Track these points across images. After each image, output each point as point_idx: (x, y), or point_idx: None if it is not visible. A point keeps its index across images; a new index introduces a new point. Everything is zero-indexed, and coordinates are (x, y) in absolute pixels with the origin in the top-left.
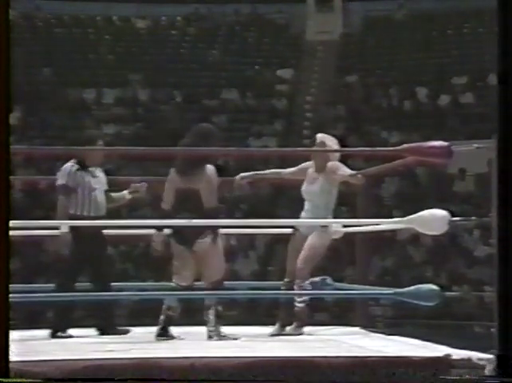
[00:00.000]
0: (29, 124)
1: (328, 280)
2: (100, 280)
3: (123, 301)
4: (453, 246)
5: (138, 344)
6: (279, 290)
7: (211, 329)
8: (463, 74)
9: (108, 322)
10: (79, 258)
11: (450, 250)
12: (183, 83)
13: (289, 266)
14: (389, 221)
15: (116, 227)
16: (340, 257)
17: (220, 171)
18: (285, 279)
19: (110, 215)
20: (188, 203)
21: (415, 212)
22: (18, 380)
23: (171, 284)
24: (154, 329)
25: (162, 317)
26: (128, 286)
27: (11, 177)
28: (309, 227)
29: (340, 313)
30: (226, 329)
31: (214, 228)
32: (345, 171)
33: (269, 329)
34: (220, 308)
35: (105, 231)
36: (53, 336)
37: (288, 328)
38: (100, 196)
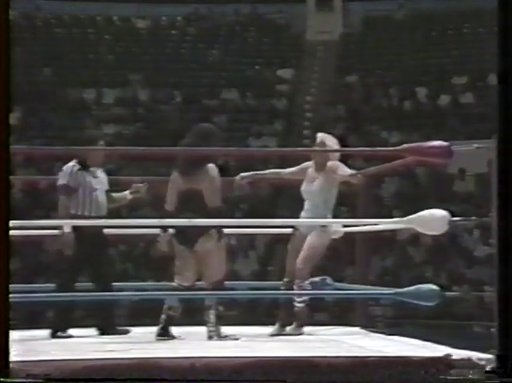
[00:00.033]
0: (29, 124)
1: (328, 280)
2: (100, 280)
3: (123, 301)
4: (453, 246)
5: (138, 344)
6: (279, 290)
7: (211, 329)
8: (463, 74)
9: (108, 322)
10: (80, 258)
11: (450, 250)
12: (183, 83)
13: (289, 265)
14: (389, 221)
15: (116, 227)
16: (340, 257)
17: (220, 171)
18: (285, 279)
19: (110, 214)
20: (191, 204)
21: (415, 212)
22: (18, 380)
23: (173, 284)
24: (154, 329)
25: (163, 316)
26: (128, 286)
27: (11, 177)
28: (308, 226)
29: (340, 313)
30: (226, 329)
31: (219, 228)
32: (345, 171)
33: (269, 329)
34: (221, 308)
35: (106, 231)
36: (53, 336)
37: (288, 328)
38: (101, 196)
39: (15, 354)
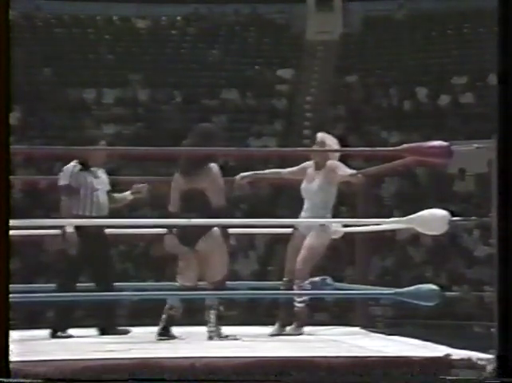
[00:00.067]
0: (29, 124)
1: (328, 280)
2: (102, 280)
3: (123, 301)
4: (453, 246)
5: (138, 344)
6: (279, 289)
7: (212, 329)
8: (463, 74)
9: (109, 322)
10: (81, 258)
11: (450, 250)
12: (183, 83)
13: (288, 265)
14: (389, 221)
15: (117, 227)
16: (340, 257)
17: (221, 171)
18: (284, 278)
19: (111, 214)
20: (195, 204)
21: (415, 212)
22: (18, 380)
23: (175, 284)
24: (154, 329)
25: (164, 316)
26: (128, 286)
27: (11, 177)
28: (307, 226)
29: (340, 313)
30: (226, 329)
31: (224, 228)
32: (345, 171)
33: (269, 329)
34: (221, 308)
35: (107, 231)
36: (53, 336)
37: (288, 328)
38: (103, 197)
39: (15, 354)
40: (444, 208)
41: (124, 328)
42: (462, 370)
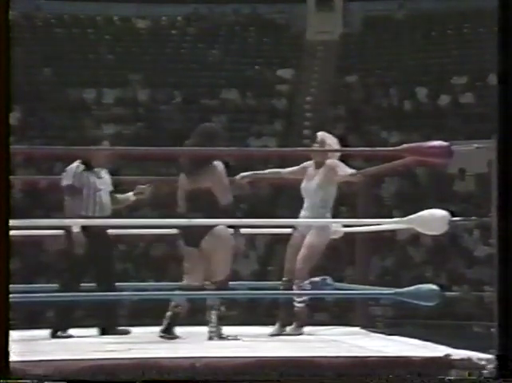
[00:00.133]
0: (29, 124)
1: (328, 280)
2: (103, 280)
3: (124, 301)
4: (453, 246)
5: (138, 344)
6: (279, 290)
7: (212, 329)
8: (463, 74)
9: (109, 322)
10: (85, 258)
11: (450, 250)
12: (183, 83)
13: (288, 264)
14: (389, 221)
15: (118, 227)
16: (340, 257)
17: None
18: (284, 278)
19: (112, 215)
20: (200, 203)
21: (415, 212)
22: (18, 380)
23: (177, 284)
24: (154, 329)
25: (169, 313)
26: (129, 286)
27: (11, 177)
28: (307, 225)
29: (340, 313)
30: (226, 330)
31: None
32: (345, 170)
33: (269, 329)
34: (223, 308)
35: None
36: (53, 336)
37: (288, 328)
38: (105, 197)
39: (15, 354)
40: (444, 208)
41: (124, 328)
42: (462, 370)
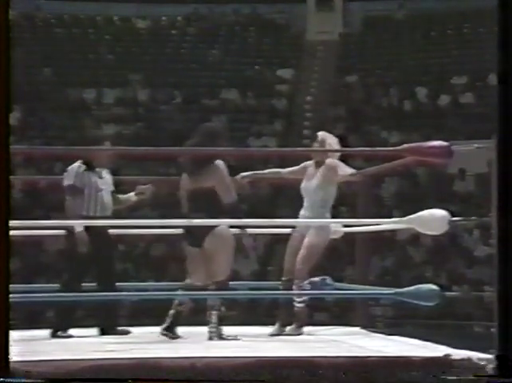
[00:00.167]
0: (29, 124)
1: (328, 280)
2: (104, 280)
3: (124, 301)
4: (453, 246)
5: (138, 344)
6: (279, 290)
7: (213, 329)
8: (463, 74)
9: (109, 322)
10: (87, 257)
11: (450, 250)
12: (183, 83)
13: (287, 264)
14: (389, 221)
15: (118, 227)
16: (339, 257)
17: None
18: (283, 278)
19: (114, 215)
20: (204, 203)
21: (415, 212)
22: (18, 380)
23: (178, 283)
24: (154, 329)
25: (172, 311)
26: (129, 286)
27: (11, 177)
28: (306, 225)
29: (340, 313)
30: (226, 330)
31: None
32: (345, 170)
33: (269, 329)
34: (223, 309)
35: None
36: (54, 336)
37: (288, 328)
38: (107, 197)
39: (15, 354)
40: (444, 208)
41: (124, 328)
42: (462, 370)
